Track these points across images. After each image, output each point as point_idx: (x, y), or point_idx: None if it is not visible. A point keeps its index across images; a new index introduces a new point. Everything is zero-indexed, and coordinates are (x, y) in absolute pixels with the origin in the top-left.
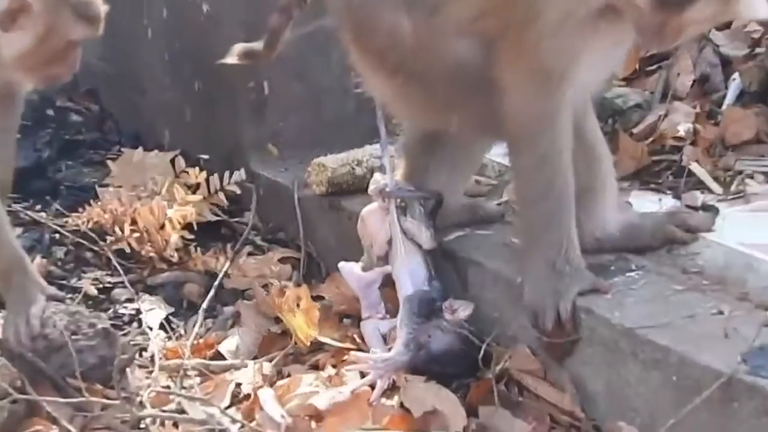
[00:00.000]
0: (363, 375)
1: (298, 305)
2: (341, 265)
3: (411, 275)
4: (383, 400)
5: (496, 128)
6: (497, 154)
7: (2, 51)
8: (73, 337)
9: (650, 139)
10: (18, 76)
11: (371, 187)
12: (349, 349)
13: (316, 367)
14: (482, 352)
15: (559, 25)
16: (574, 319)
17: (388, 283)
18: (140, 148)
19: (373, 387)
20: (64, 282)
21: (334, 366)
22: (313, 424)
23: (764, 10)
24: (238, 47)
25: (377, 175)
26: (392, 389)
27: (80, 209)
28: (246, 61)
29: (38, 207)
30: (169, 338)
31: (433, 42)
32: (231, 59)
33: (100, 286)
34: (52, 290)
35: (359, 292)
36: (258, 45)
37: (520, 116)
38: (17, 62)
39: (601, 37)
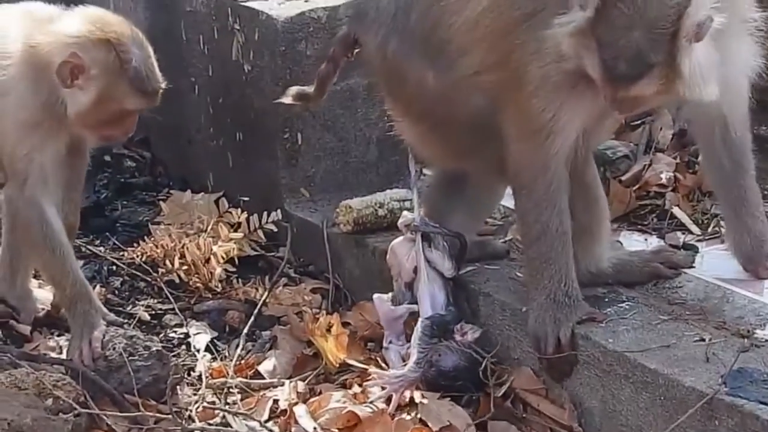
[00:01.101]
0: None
1: (329, 331)
2: (376, 296)
3: (431, 299)
4: (404, 415)
5: (506, 174)
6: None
7: (68, 107)
8: (130, 358)
9: (637, 186)
10: (80, 133)
11: (401, 221)
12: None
13: (344, 386)
14: (484, 366)
15: (540, 86)
16: (573, 344)
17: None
18: (188, 191)
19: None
20: (120, 309)
21: (359, 385)
22: None
23: (709, 92)
24: (293, 90)
25: (406, 213)
26: (411, 405)
27: (135, 244)
28: (298, 102)
29: (98, 242)
30: (214, 359)
31: (451, 94)
32: (286, 99)
33: (153, 312)
34: (112, 316)
35: (385, 323)
36: (309, 89)
37: (518, 165)
38: (77, 119)
39: (579, 96)
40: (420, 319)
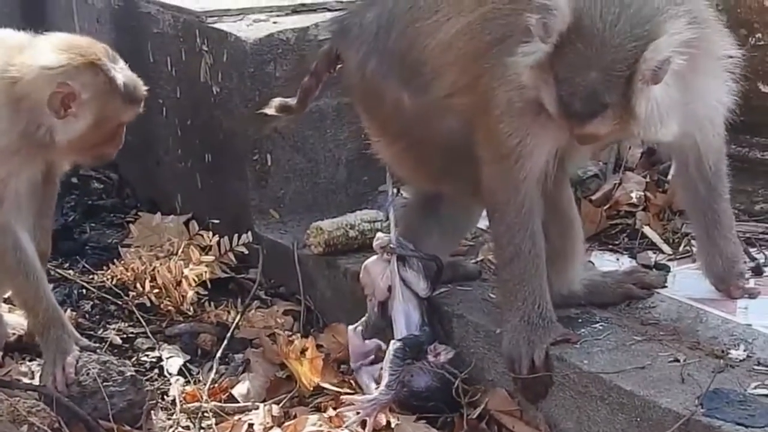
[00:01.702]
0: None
1: (303, 354)
2: (350, 328)
3: (406, 318)
4: None
5: (477, 198)
6: None
7: (56, 136)
8: (104, 383)
9: (607, 206)
10: (69, 157)
11: (376, 242)
12: (347, 393)
13: (318, 409)
14: (456, 385)
15: (506, 111)
16: (548, 365)
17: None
18: (158, 213)
19: (365, 425)
20: (91, 332)
21: (333, 408)
22: None
23: (666, 132)
24: (276, 101)
25: (381, 234)
26: (386, 429)
27: (105, 267)
28: (281, 113)
29: (67, 265)
30: (188, 383)
31: (426, 115)
32: (269, 110)
33: (124, 336)
34: (84, 341)
35: (352, 356)
36: (292, 101)
37: (490, 188)
38: (70, 146)
39: (544, 123)
40: (392, 342)
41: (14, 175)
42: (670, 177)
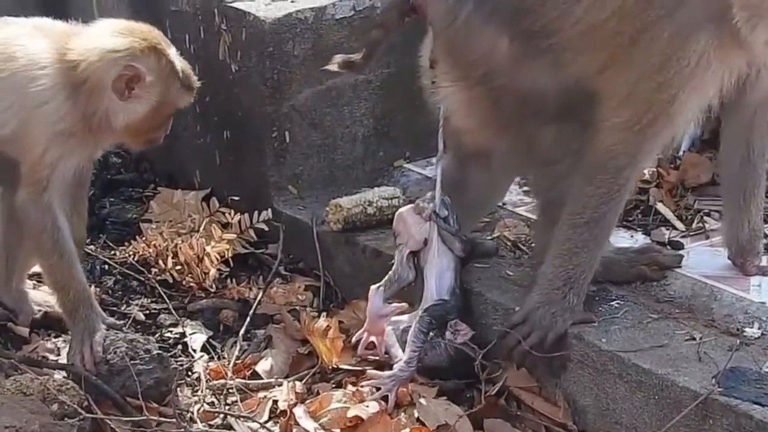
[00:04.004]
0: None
1: (326, 333)
2: (373, 287)
3: (439, 278)
4: (402, 415)
5: (532, 158)
6: None
7: (114, 119)
8: (132, 361)
9: None
10: (120, 141)
11: (417, 205)
12: (365, 371)
13: (339, 385)
14: (477, 363)
15: (659, 73)
16: (558, 346)
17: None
18: (178, 189)
19: (386, 400)
20: (114, 308)
21: (353, 384)
22: None
23: None
24: (338, 57)
25: (420, 202)
26: (408, 405)
27: (126, 243)
28: (344, 69)
29: (88, 241)
30: (211, 359)
31: (520, 64)
32: (332, 67)
33: (147, 312)
34: (111, 320)
35: (369, 316)
36: (356, 56)
37: (610, 152)
38: (125, 129)
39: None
40: (419, 314)
41: (65, 158)
42: (681, 153)
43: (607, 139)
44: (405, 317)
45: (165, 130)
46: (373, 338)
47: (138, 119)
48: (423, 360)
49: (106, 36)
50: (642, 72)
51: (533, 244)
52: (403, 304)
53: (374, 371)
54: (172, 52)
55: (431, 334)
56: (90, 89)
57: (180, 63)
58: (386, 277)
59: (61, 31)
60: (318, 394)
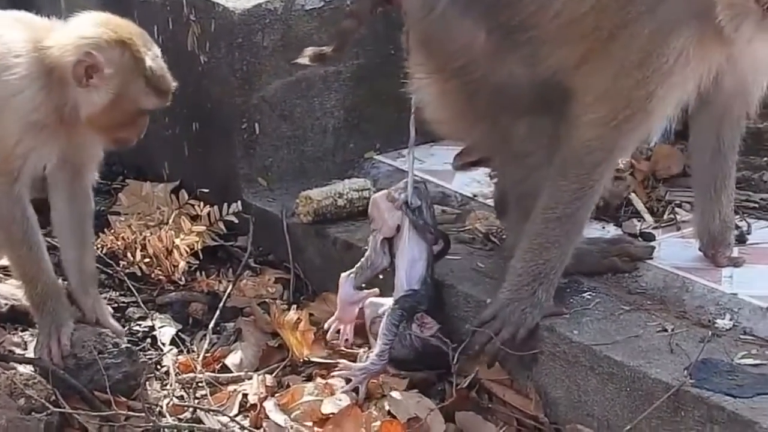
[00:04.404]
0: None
1: (296, 325)
2: (344, 274)
3: (410, 267)
4: (373, 409)
5: (506, 150)
6: (460, 185)
7: (80, 111)
8: (100, 355)
9: None
10: (91, 137)
11: (392, 191)
12: (337, 364)
13: (310, 378)
14: (451, 357)
15: (638, 70)
16: (529, 344)
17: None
18: (147, 182)
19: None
20: None
21: (322, 377)
22: (316, 430)
23: None
24: (309, 50)
25: (393, 192)
26: (380, 398)
27: (94, 236)
28: (316, 62)
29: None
30: (180, 352)
31: (496, 57)
32: (303, 60)
33: (116, 305)
34: (79, 313)
35: (340, 303)
36: (327, 48)
37: (587, 147)
38: (90, 120)
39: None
40: (390, 308)
41: (38, 150)
42: (652, 144)
43: (584, 135)
44: (385, 300)
45: (137, 132)
46: (342, 326)
47: (98, 111)
48: (391, 352)
49: (81, 26)
50: (620, 68)
51: (505, 237)
52: (375, 290)
53: (346, 362)
54: (147, 52)
55: (402, 328)
56: (60, 78)
57: (152, 63)
58: (358, 264)
59: (42, 26)
60: (288, 387)
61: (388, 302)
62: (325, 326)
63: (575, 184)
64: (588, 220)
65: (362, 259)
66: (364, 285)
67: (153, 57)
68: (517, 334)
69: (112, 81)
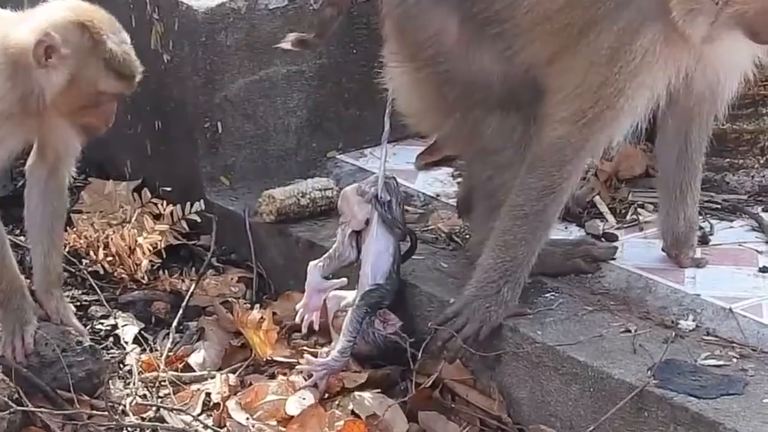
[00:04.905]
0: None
1: (260, 325)
2: (312, 263)
3: (375, 260)
4: (336, 408)
5: (474, 146)
6: (423, 185)
7: (45, 96)
8: (63, 353)
9: None
10: (58, 123)
11: (360, 188)
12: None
13: (272, 377)
14: (409, 353)
15: (606, 67)
16: (498, 336)
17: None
18: (110, 180)
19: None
20: None
21: (284, 375)
22: (279, 429)
23: None
24: (292, 35)
25: (363, 186)
26: (343, 397)
27: None
28: (298, 47)
29: (17, 231)
30: (144, 351)
31: (468, 49)
32: (285, 45)
33: (78, 303)
34: (42, 311)
35: (308, 291)
36: (309, 35)
37: (555, 145)
38: (54, 103)
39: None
40: (355, 305)
41: (4, 141)
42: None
43: (553, 132)
44: (347, 293)
45: (104, 118)
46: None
47: (58, 92)
48: (354, 348)
49: (47, 11)
50: (590, 65)
51: (468, 236)
52: (343, 279)
53: (309, 357)
54: (111, 36)
55: (365, 324)
56: (24, 65)
57: (112, 46)
58: (327, 254)
59: (9, 18)
60: (251, 386)
61: (350, 295)
62: (297, 318)
63: (543, 182)
64: (556, 219)
65: (330, 250)
66: (331, 275)
67: (117, 42)
68: (480, 331)
69: (68, 61)
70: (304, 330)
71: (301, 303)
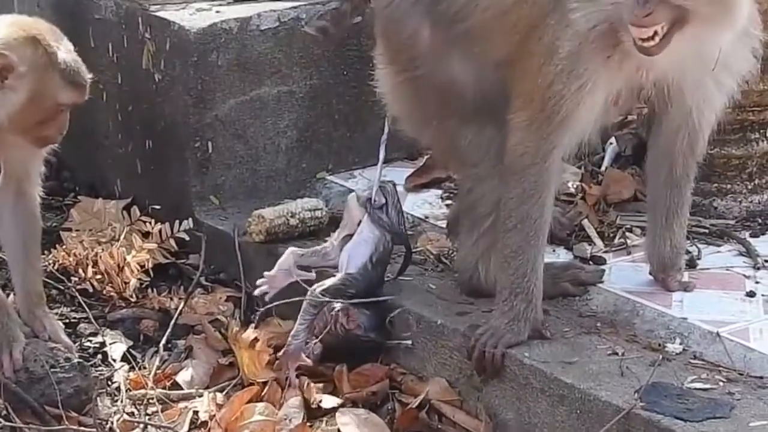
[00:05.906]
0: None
1: (253, 345)
2: (292, 248)
3: (354, 247)
4: (321, 426)
5: (454, 157)
6: (412, 206)
7: (1, 111)
8: (52, 370)
9: None
10: (14, 139)
11: (358, 195)
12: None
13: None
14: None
15: (559, 76)
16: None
17: None
18: (99, 198)
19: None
20: None
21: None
22: None
23: None
24: (314, 21)
25: (361, 192)
26: (329, 415)
27: (46, 251)
28: (319, 34)
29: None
30: (132, 369)
31: (440, 52)
32: (309, 29)
33: (66, 321)
34: (28, 328)
35: (277, 267)
36: (328, 23)
37: (518, 150)
38: (10, 121)
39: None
40: (314, 287)
41: None
42: (603, 168)
43: (512, 138)
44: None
45: (58, 129)
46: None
47: (16, 111)
48: (323, 339)
49: None
50: (538, 67)
51: (455, 255)
52: (311, 273)
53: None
54: (58, 46)
55: (317, 311)
56: None
57: (65, 57)
58: (314, 248)
59: None
60: (237, 405)
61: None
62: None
63: (517, 189)
64: (547, 225)
65: (319, 246)
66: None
67: (66, 51)
68: (498, 345)
69: (27, 78)
70: (257, 293)
71: (268, 273)
